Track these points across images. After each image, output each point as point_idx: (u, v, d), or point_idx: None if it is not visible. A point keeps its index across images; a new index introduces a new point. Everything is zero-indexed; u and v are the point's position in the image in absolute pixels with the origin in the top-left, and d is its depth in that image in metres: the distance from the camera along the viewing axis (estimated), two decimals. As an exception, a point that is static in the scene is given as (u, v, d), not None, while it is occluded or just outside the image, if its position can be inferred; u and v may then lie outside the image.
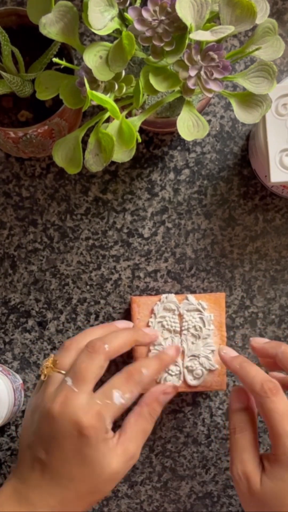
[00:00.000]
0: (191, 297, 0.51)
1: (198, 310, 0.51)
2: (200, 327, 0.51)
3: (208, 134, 0.56)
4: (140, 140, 0.43)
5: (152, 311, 0.51)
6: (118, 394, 0.44)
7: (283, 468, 0.42)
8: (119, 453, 0.44)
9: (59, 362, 0.46)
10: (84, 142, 0.44)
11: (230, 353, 0.49)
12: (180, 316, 0.51)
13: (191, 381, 0.51)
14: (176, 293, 0.56)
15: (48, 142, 0.51)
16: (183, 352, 0.51)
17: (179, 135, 0.47)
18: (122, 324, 0.51)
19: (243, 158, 0.56)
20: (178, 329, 0.51)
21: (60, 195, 0.56)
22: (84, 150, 0.43)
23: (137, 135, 0.42)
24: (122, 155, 0.43)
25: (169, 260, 0.57)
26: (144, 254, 0.56)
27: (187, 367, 0.51)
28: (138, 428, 0.45)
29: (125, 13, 0.40)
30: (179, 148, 0.56)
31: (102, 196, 0.56)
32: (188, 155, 0.56)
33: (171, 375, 0.50)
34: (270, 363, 0.49)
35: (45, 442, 0.44)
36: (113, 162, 0.55)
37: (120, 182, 0.56)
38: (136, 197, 0.56)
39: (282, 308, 0.56)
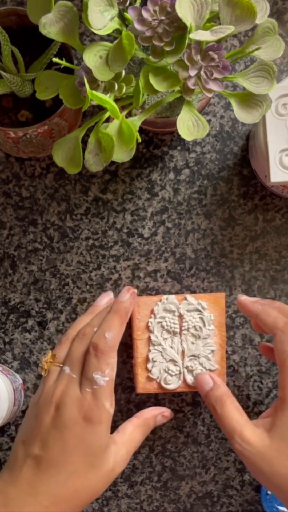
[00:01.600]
0: (190, 297, 0.51)
1: (198, 310, 0.51)
2: (200, 327, 0.51)
3: (208, 134, 0.56)
4: (140, 140, 0.43)
5: (152, 311, 0.51)
6: (98, 375, 0.44)
7: None
8: (115, 450, 0.44)
9: (57, 355, 0.48)
10: (84, 142, 0.44)
11: (249, 298, 0.50)
12: (180, 317, 0.51)
13: (191, 381, 0.51)
14: (176, 293, 0.56)
15: (48, 142, 0.51)
16: (183, 352, 0.51)
17: (179, 135, 0.47)
18: (104, 300, 0.53)
19: (243, 158, 0.56)
20: (178, 330, 0.51)
21: (60, 195, 0.56)
22: (84, 150, 0.43)
23: (137, 135, 0.42)
24: (122, 155, 0.43)
25: (169, 260, 0.57)
26: (144, 254, 0.56)
27: (187, 367, 0.51)
28: (133, 436, 0.47)
29: (125, 13, 0.40)
30: (179, 148, 0.56)
31: (102, 196, 0.56)
32: (188, 155, 0.56)
33: (171, 375, 0.50)
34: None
35: (44, 435, 0.43)
36: (113, 162, 0.55)
37: (120, 182, 0.56)
38: (136, 197, 0.56)
39: (282, 308, 0.56)
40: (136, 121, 0.44)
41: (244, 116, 0.44)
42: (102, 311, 0.50)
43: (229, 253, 0.56)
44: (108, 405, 0.44)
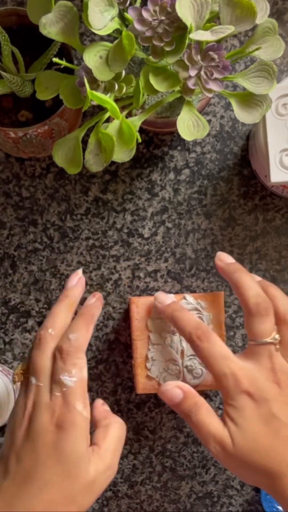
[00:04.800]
0: (189, 296, 0.51)
1: (196, 309, 0.51)
2: None
3: (208, 134, 0.56)
4: (140, 140, 0.43)
5: (150, 311, 0.51)
6: (66, 377, 0.43)
7: (237, 408, 0.42)
8: (95, 460, 0.42)
9: (27, 365, 0.46)
10: (84, 142, 0.44)
11: (165, 299, 0.49)
12: None
13: (191, 380, 0.51)
14: (176, 293, 0.56)
15: (48, 142, 0.51)
16: (182, 351, 0.51)
17: (179, 135, 0.47)
18: (74, 280, 0.51)
19: (243, 158, 0.56)
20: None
21: (60, 195, 0.56)
22: (84, 150, 0.43)
23: (137, 135, 0.42)
24: (122, 155, 0.43)
25: (169, 260, 0.57)
26: (144, 254, 0.57)
27: (186, 367, 0.51)
28: (112, 437, 0.44)
29: (125, 13, 0.40)
30: (179, 148, 0.56)
31: (102, 196, 0.56)
32: (188, 155, 0.56)
33: (171, 374, 0.50)
34: None
35: (17, 449, 0.41)
36: (113, 162, 0.55)
37: (120, 182, 0.56)
38: (136, 197, 0.56)
39: (282, 308, 0.56)
40: (136, 121, 0.44)
41: (244, 116, 0.44)
42: (54, 309, 0.48)
43: (229, 253, 0.56)
44: (81, 407, 0.42)
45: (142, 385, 0.51)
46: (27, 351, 0.57)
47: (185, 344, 0.51)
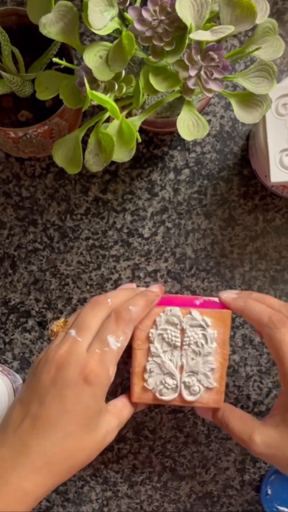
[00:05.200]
0: (195, 312, 0.49)
1: (201, 326, 0.49)
2: (202, 344, 0.49)
3: (208, 134, 0.56)
4: (140, 140, 0.43)
5: (154, 322, 0.49)
6: (113, 339, 0.44)
7: None
8: (108, 420, 0.45)
9: (69, 322, 0.47)
10: (84, 142, 0.44)
11: (231, 295, 0.49)
12: (182, 331, 0.49)
13: (187, 396, 0.49)
14: (176, 292, 0.56)
15: (48, 142, 0.51)
16: (182, 366, 0.49)
17: (179, 135, 0.47)
18: (127, 288, 0.53)
19: (243, 158, 0.56)
20: (179, 344, 0.49)
21: (60, 195, 0.56)
22: (84, 150, 0.43)
23: (137, 135, 0.42)
24: (122, 155, 0.43)
25: (169, 260, 0.57)
26: (144, 254, 0.56)
27: (184, 382, 0.49)
28: (124, 412, 0.47)
29: (125, 13, 0.40)
30: (179, 148, 0.56)
31: (102, 196, 0.56)
32: (188, 155, 0.56)
33: (167, 388, 0.49)
34: None
35: (42, 393, 0.42)
36: (113, 162, 0.55)
37: (120, 182, 0.56)
38: (136, 197, 0.56)
39: (282, 308, 0.56)
40: (136, 121, 0.44)
41: (244, 116, 0.44)
42: (123, 290, 0.50)
43: (229, 253, 0.56)
44: (111, 372, 0.44)
45: (138, 394, 0.49)
46: (27, 351, 0.57)
47: (185, 360, 0.49)
